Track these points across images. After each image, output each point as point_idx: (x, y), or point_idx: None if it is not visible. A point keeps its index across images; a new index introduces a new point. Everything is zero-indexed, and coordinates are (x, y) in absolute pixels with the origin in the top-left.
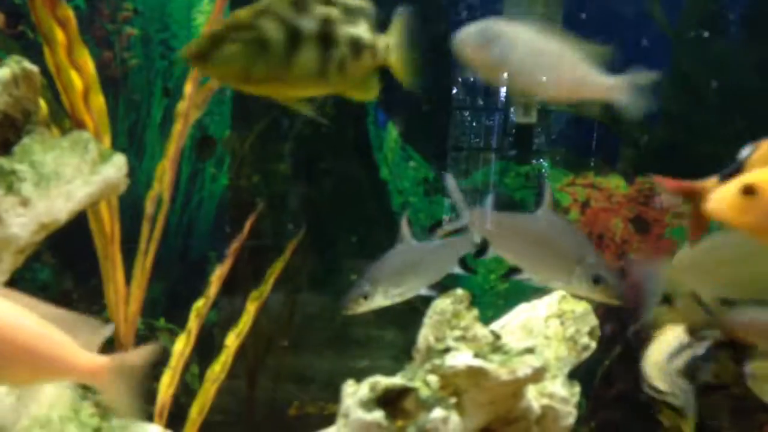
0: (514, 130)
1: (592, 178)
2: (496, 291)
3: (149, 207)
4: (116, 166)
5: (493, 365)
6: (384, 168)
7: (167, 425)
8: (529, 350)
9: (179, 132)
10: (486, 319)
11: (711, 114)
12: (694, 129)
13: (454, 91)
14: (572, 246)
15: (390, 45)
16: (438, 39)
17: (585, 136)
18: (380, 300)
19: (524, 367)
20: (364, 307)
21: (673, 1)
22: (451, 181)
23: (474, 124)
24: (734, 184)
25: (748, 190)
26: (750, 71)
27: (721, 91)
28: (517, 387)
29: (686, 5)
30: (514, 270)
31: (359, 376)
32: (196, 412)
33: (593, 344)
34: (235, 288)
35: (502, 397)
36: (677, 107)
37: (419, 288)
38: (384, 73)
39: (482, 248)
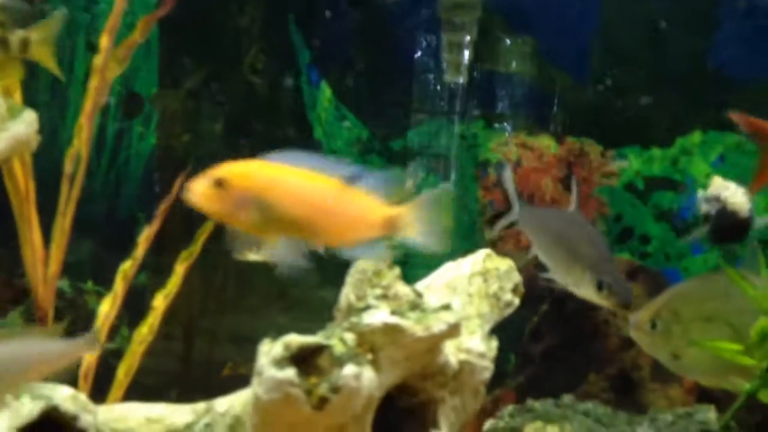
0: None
1: (523, 138)
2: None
3: (68, 166)
4: (26, 122)
5: (408, 322)
6: (317, 127)
7: (93, 388)
8: (446, 307)
9: (96, 88)
10: (419, 280)
11: (639, 75)
12: (622, 90)
13: (390, 50)
14: (587, 249)
15: (32, 39)
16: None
17: (517, 97)
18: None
19: (439, 323)
20: (256, 256)
21: None
22: (507, 173)
23: (409, 83)
24: (206, 176)
25: (219, 183)
26: (678, 32)
27: (650, 50)
28: (432, 343)
29: None
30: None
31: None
32: (123, 374)
33: (516, 301)
34: (164, 249)
35: (418, 353)
36: (606, 68)
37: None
38: (317, 30)
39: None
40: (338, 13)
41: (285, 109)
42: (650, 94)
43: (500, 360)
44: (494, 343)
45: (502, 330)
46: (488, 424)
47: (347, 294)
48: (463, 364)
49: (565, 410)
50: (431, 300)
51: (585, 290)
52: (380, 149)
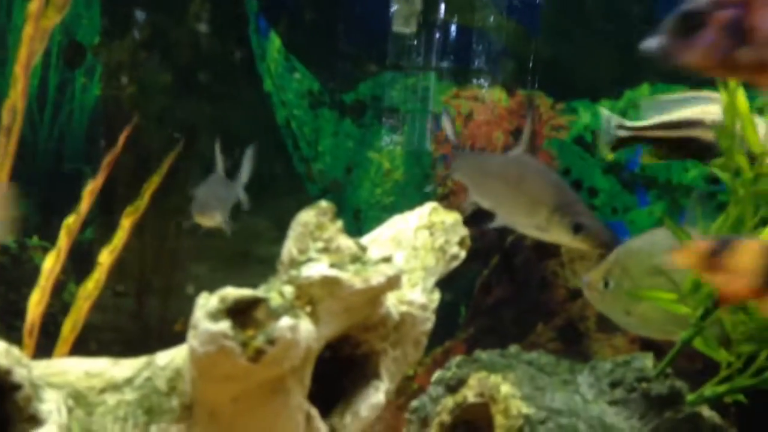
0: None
1: (475, 91)
2: (381, 205)
3: (5, 117)
4: None
5: (347, 275)
6: (267, 79)
7: (38, 343)
8: (386, 260)
9: (31, 36)
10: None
11: (591, 30)
12: (573, 45)
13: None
14: (549, 191)
15: None
16: None
17: (468, 49)
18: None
19: (378, 276)
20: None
21: None
22: (445, 119)
23: (361, 33)
24: None
25: None
26: None
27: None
28: (372, 295)
29: None
30: (486, 214)
31: None
32: (68, 330)
33: (462, 254)
34: (110, 203)
35: (357, 305)
36: (557, 23)
37: None
38: None
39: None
40: None
41: (233, 60)
42: (599, 48)
43: (451, 312)
44: (436, 296)
45: (453, 283)
46: (436, 374)
47: (289, 247)
48: (405, 316)
49: (510, 360)
50: (376, 253)
51: (556, 234)
52: (331, 102)
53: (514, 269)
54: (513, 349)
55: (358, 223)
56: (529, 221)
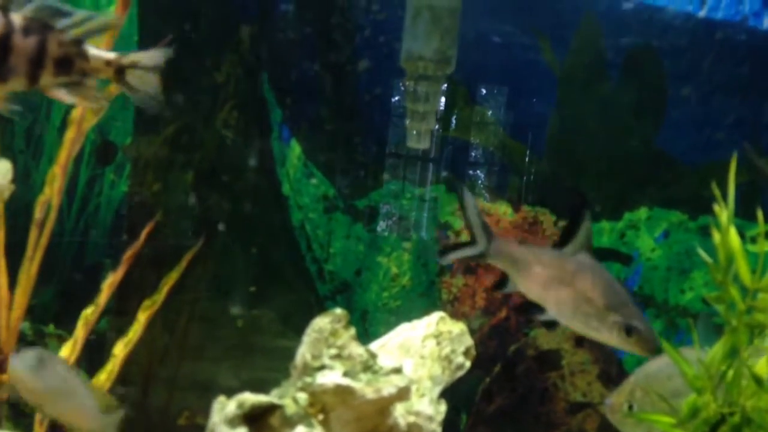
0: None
1: (482, 204)
2: (388, 308)
3: (39, 212)
4: (1, 173)
5: (360, 384)
6: (286, 183)
7: None
8: (397, 370)
9: (71, 139)
10: (377, 336)
11: (591, 150)
12: (574, 164)
13: (358, 114)
14: (605, 292)
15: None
16: (342, 61)
17: (476, 164)
18: None
19: (389, 386)
20: None
21: (563, 44)
22: (469, 199)
23: (375, 147)
24: None
25: None
26: (626, 113)
27: (602, 129)
28: (382, 405)
29: (572, 47)
30: (535, 307)
31: (257, 388)
32: None
33: (468, 363)
34: (128, 297)
35: (368, 414)
36: (560, 143)
37: None
38: (289, 90)
39: (502, 281)
40: (311, 76)
41: (255, 164)
42: (601, 171)
43: (453, 419)
44: (443, 407)
45: (455, 390)
46: None
47: (303, 353)
48: (412, 427)
49: None
50: (385, 360)
51: (607, 335)
52: (344, 207)
53: (515, 378)
54: None
55: (364, 325)
56: (581, 319)
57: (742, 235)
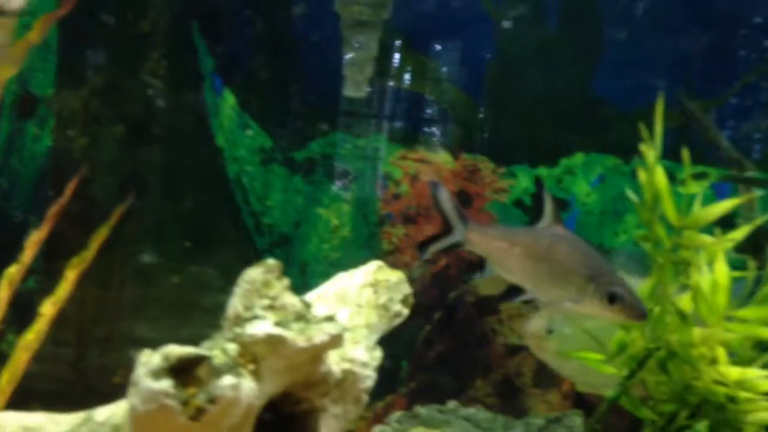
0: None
1: (422, 153)
2: (328, 260)
3: None
4: None
5: (291, 333)
6: (220, 135)
7: None
8: (329, 318)
9: None
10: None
11: (528, 97)
12: (512, 111)
13: (294, 62)
14: (583, 262)
15: None
16: (276, 7)
17: (416, 113)
18: None
19: (321, 334)
20: None
21: None
22: (442, 191)
23: (314, 94)
24: None
25: None
26: (562, 59)
27: (539, 75)
28: (315, 353)
29: None
30: (515, 290)
31: (197, 344)
32: (6, 381)
33: (405, 311)
34: (56, 255)
35: (300, 363)
36: (498, 90)
37: None
38: (221, 38)
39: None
40: (243, 23)
41: (186, 115)
42: (538, 117)
43: (393, 367)
44: (378, 353)
45: (396, 338)
46: (377, 429)
47: (235, 304)
48: (347, 373)
49: (448, 415)
50: (321, 310)
51: (589, 305)
52: (282, 159)
53: (455, 325)
54: (451, 404)
55: (304, 277)
56: (561, 292)
57: (675, 177)
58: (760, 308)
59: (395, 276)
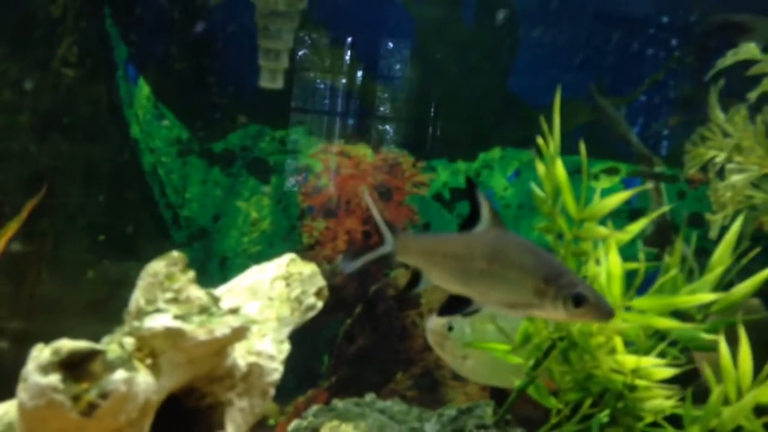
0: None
1: (342, 147)
2: (248, 253)
3: None
4: None
5: (191, 326)
6: (135, 125)
7: None
8: (233, 311)
9: None
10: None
11: (447, 92)
12: (431, 106)
13: (211, 52)
14: (537, 264)
15: None
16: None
17: (336, 106)
18: None
19: (223, 327)
20: None
21: None
22: (369, 200)
23: (232, 85)
24: None
25: None
26: (479, 55)
27: (457, 71)
28: (217, 346)
29: None
30: (459, 301)
31: None
32: None
33: (320, 304)
34: None
35: (202, 356)
36: (418, 85)
37: None
38: (135, 26)
39: (414, 279)
40: (158, 11)
41: (100, 105)
42: (457, 113)
43: (314, 361)
44: (286, 346)
45: (317, 332)
46: (293, 423)
47: (137, 298)
48: (253, 367)
49: (363, 408)
50: (230, 303)
51: (552, 311)
52: (200, 150)
53: (376, 319)
54: (369, 397)
55: (224, 271)
56: (517, 299)
57: (588, 172)
58: (655, 299)
59: (308, 269)
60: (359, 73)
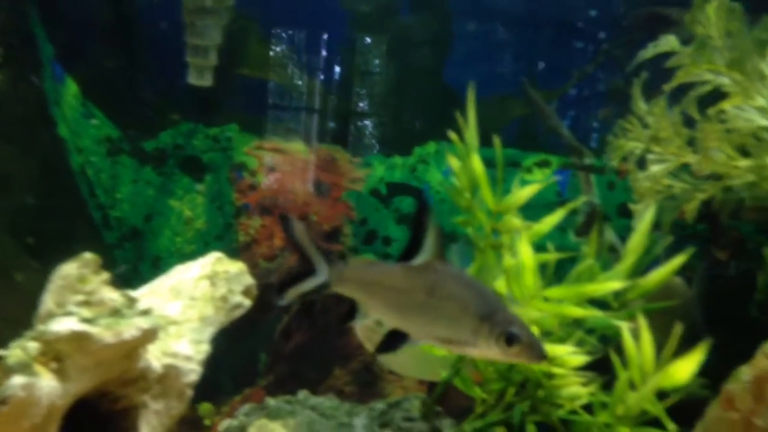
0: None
1: (276, 143)
2: (182, 253)
3: None
4: None
5: (97, 329)
6: (62, 125)
7: None
8: (144, 312)
9: None
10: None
11: (382, 86)
12: (367, 100)
13: (140, 49)
14: (474, 300)
15: None
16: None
17: (269, 102)
18: None
19: (131, 329)
20: None
21: None
22: (297, 227)
23: (162, 83)
24: None
25: None
26: (414, 48)
27: (392, 65)
28: (127, 349)
29: None
30: (397, 336)
31: None
32: None
33: (247, 302)
34: None
35: (111, 359)
36: (353, 80)
37: None
38: (61, 25)
39: (351, 311)
40: (85, 9)
41: (25, 104)
42: (392, 107)
43: (252, 360)
44: (204, 347)
45: (254, 330)
46: (224, 423)
47: (46, 301)
48: (168, 368)
49: (295, 406)
50: (151, 304)
51: (485, 348)
52: (131, 149)
53: (313, 315)
54: (302, 394)
55: (157, 272)
56: (452, 335)
57: (517, 164)
58: (568, 288)
59: (235, 267)
60: (292, 69)
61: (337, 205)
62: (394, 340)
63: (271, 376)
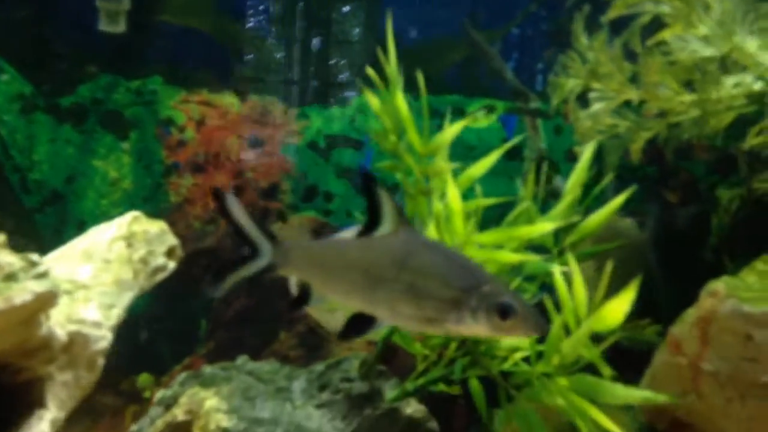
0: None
1: (205, 96)
2: (109, 216)
3: None
4: None
5: None
6: None
7: None
8: (40, 275)
9: None
10: None
11: (314, 31)
12: (302, 48)
13: None
14: (454, 270)
15: None
16: None
17: (195, 52)
18: None
19: (24, 294)
20: None
21: None
22: (234, 204)
23: (76, 33)
24: None
25: None
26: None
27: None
28: (22, 315)
29: None
30: (362, 320)
31: None
32: None
33: (171, 264)
34: None
35: (6, 327)
36: (283, 26)
37: None
38: None
39: (303, 295)
40: None
41: None
42: (324, 55)
43: (191, 328)
44: (115, 311)
45: (192, 298)
46: (158, 393)
47: None
48: (75, 336)
49: (230, 372)
50: (60, 268)
51: (473, 325)
52: (47, 106)
53: (252, 280)
54: (240, 360)
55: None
56: (430, 313)
57: (462, 111)
58: (502, 231)
59: (156, 227)
60: (221, 14)
61: (275, 160)
62: (358, 325)
63: (211, 343)
